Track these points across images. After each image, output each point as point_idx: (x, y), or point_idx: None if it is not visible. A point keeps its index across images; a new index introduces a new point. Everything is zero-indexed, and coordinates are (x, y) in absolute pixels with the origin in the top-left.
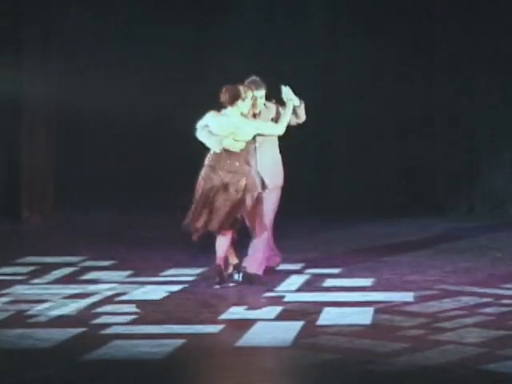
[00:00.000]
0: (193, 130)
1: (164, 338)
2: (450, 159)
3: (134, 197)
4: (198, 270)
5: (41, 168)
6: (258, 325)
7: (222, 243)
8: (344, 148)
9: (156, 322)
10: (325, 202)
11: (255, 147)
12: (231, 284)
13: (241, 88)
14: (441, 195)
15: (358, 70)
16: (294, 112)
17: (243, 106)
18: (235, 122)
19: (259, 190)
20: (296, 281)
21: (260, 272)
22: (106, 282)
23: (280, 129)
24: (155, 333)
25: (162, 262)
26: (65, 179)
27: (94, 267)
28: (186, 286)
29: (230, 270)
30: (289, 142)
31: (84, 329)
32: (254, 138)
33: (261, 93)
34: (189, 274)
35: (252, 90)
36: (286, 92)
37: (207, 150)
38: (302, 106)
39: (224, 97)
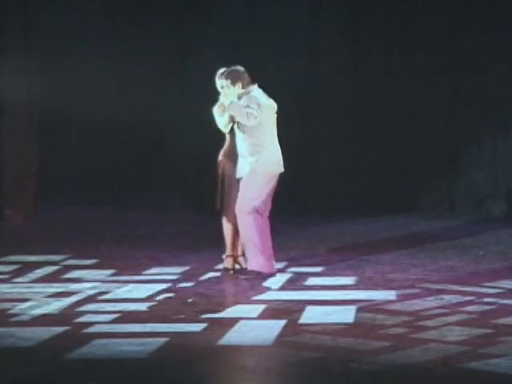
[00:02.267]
0: (176, 127)
1: (147, 337)
2: (430, 157)
3: (117, 195)
4: (182, 269)
5: (22, 166)
6: (241, 323)
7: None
8: (324, 146)
9: (139, 320)
10: (305, 200)
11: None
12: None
13: (218, 74)
14: (421, 193)
15: (342, 65)
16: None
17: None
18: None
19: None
20: (278, 279)
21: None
22: (89, 280)
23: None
24: (138, 331)
25: (145, 261)
26: (47, 177)
27: (77, 266)
28: (169, 284)
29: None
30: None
31: (67, 327)
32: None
33: (220, 82)
34: (172, 272)
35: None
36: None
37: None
38: (231, 111)
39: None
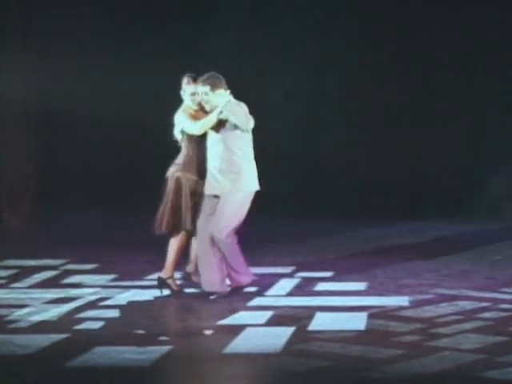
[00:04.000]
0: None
1: (149, 345)
2: (444, 159)
3: (118, 198)
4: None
5: (21, 168)
6: (247, 330)
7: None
8: (334, 150)
9: (141, 327)
10: (315, 204)
11: (207, 147)
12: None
13: (188, 79)
14: (435, 197)
15: (355, 69)
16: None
17: (186, 98)
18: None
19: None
20: (286, 285)
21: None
22: (89, 285)
23: (193, 128)
24: (141, 339)
25: (147, 266)
26: (46, 179)
27: (77, 270)
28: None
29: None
30: (279, 145)
31: (66, 335)
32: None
33: (201, 88)
34: (175, 277)
35: (195, 84)
36: (217, 96)
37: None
38: (228, 113)
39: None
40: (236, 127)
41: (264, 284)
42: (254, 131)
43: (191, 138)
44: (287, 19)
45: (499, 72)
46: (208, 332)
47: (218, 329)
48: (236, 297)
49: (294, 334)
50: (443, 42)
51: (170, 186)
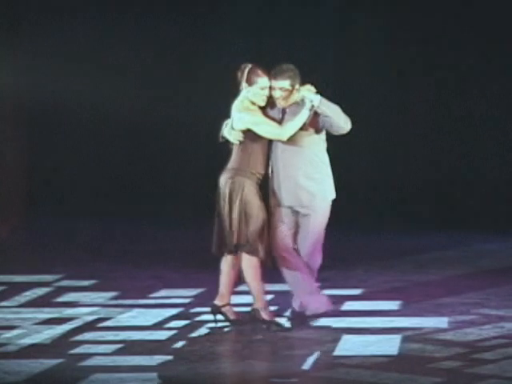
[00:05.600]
0: (186, 132)
1: (154, 371)
2: (489, 169)
3: (117, 206)
4: (194, 292)
5: (9, 173)
6: (264, 355)
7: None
8: (363, 153)
9: (145, 352)
10: (342, 210)
11: (275, 152)
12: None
13: (259, 70)
14: (478, 206)
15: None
16: (312, 118)
17: (252, 91)
18: (234, 105)
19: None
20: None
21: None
22: (86, 304)
23: (281, 132)
24: (144, 365)
25: (152, 282)
26: (37, 185)
27: (72, 287)
28: (181, 309)
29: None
30: None
31: (60, 360)
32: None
33: (280, 83)
34: (183, 295)
35: (269, 77)
36: (303, 89)
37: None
38: (326, 108)
39: (241, 75)
40: (330, 126)
41: (283, 302)
42: None
43: (257, 137)
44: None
45: None
46: (219, 358)
47: (230, 354)
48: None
49: (318, 359)
50: None
51: (223, 197)
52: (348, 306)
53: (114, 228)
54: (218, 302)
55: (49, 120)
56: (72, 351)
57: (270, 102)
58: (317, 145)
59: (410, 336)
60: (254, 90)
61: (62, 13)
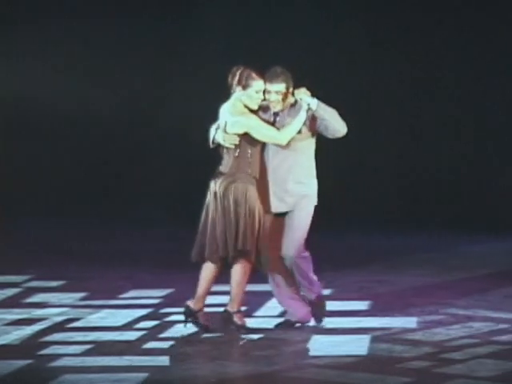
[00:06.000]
0: (159, 132)
1: (124, 372)
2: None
3: (90, 206)
4: (163, 292)
5: None
6: (234, 356)
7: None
8: (335, 152)
9: (115, 352)
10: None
11: (265, 154)
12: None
13: (253, 73)
14: (450, 207)
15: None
16: (310, 121)
17: (246, 95)
18: (226, 109)
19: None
20: (278, 304)
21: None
22: (56, 305)
23: (280, 136)
24: (114, 365)
25: (121, 282)
26: (5, 186)
27: (42, 288)
28: (151, 310)
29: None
30: None
31: (30, 361)
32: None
33: (276, 87)
34: (153, 296)
35: (264, 81)
36: (299, 92)
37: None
38: (323, 111)
39: (233, 77)
40: (325, 129)
41: (252, 303)
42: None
43: (254, 141)
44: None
45: None
46: (190, 358)
47: (200, 354)
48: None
49: (288, 359)
50: None
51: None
52: None
53: (84, 228)
54: (193, 305)
55: (17, 129)
56: (41, 352)
57: (262, 105)
58: (309, 149)
59: (378, 336)
60: (248, 93)
61: (45, 16)
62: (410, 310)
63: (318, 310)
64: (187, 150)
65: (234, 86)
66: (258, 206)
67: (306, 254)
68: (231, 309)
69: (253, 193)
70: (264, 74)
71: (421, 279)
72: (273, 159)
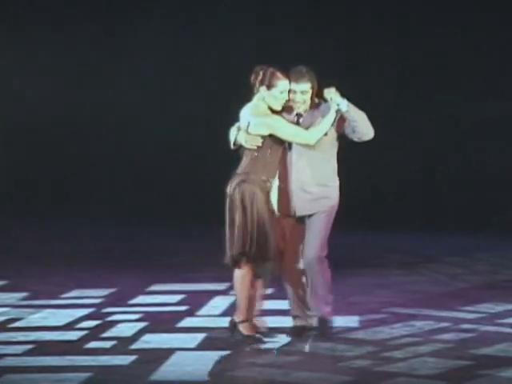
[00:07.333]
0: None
1: (66, 372)
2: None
3: (30, 204)
4: (105, 292)
5: None
6: (177, 355)
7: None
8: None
9: (57, 352)
10: None
11: (289, 157)
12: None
13: (278, 73)
14: (392, 205)
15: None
16: (338, 122)
17: (270, 95)
18: (248, 109)
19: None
20: (220, 303)
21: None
22: None
23: (308, 136)
24: (56, 365)
25: (63, 282)
26: None
27: None
28: (92, 310)
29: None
30: None
31: None
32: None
33: (302, 86)
34: (95, 295)
35: (289, 80)
36: (329, 92)
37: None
38: (354, 113)
39: (256, 77)
40: (351, 132)
41: (195, 302)
42: None
43: (276, 143)
44: None
45: None
46: (132, 357)
47: (143, 353)
48: (163, 316)
49: (229, 358)
50: None
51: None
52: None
53: (25, 227)
54: (235, 317)
55: None
56: None
57: (285, 106)
58: (333, 150)
59: (320, 335)
60: (272, 93)
61: (27, 17)
62: (351, 308)
63: (324, 326)
64: (139, 147)
65: (257, 85)
66: (268, 211)
67: (326, 262)
68: (236, 318)
69: (260, 197)
70: (288, 74)
71: (362, 278)
72: (297, 161)
